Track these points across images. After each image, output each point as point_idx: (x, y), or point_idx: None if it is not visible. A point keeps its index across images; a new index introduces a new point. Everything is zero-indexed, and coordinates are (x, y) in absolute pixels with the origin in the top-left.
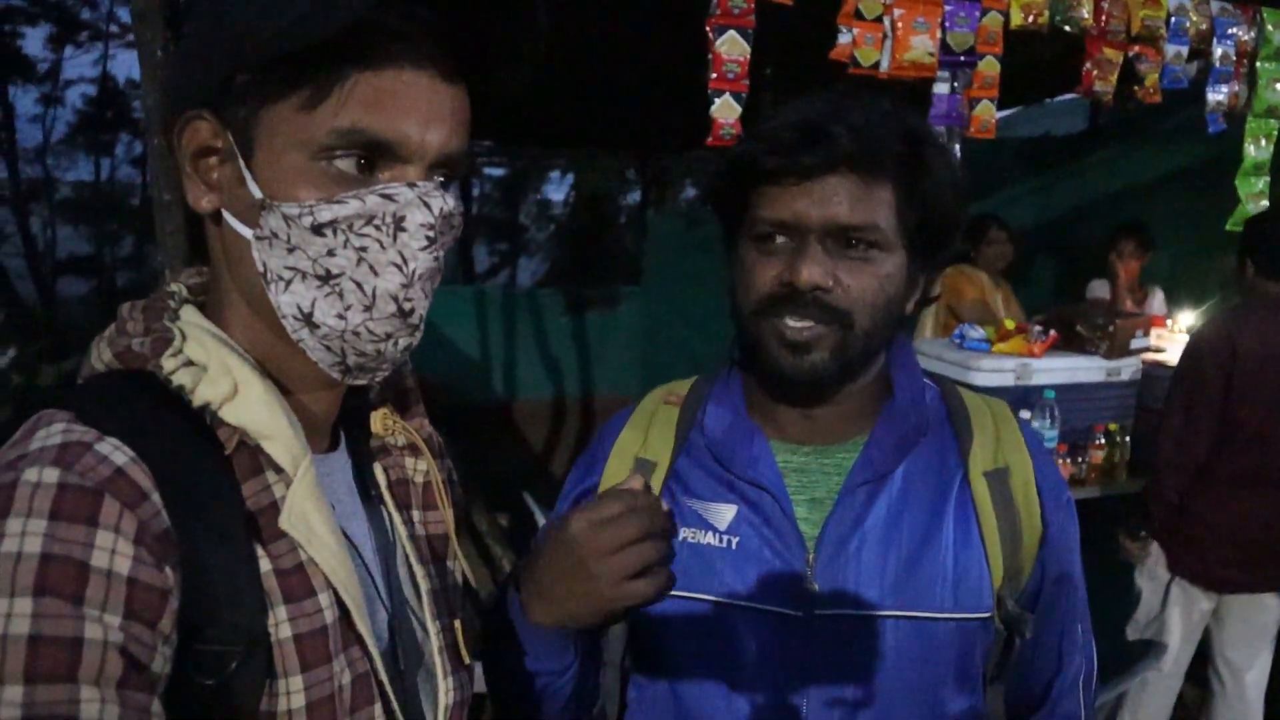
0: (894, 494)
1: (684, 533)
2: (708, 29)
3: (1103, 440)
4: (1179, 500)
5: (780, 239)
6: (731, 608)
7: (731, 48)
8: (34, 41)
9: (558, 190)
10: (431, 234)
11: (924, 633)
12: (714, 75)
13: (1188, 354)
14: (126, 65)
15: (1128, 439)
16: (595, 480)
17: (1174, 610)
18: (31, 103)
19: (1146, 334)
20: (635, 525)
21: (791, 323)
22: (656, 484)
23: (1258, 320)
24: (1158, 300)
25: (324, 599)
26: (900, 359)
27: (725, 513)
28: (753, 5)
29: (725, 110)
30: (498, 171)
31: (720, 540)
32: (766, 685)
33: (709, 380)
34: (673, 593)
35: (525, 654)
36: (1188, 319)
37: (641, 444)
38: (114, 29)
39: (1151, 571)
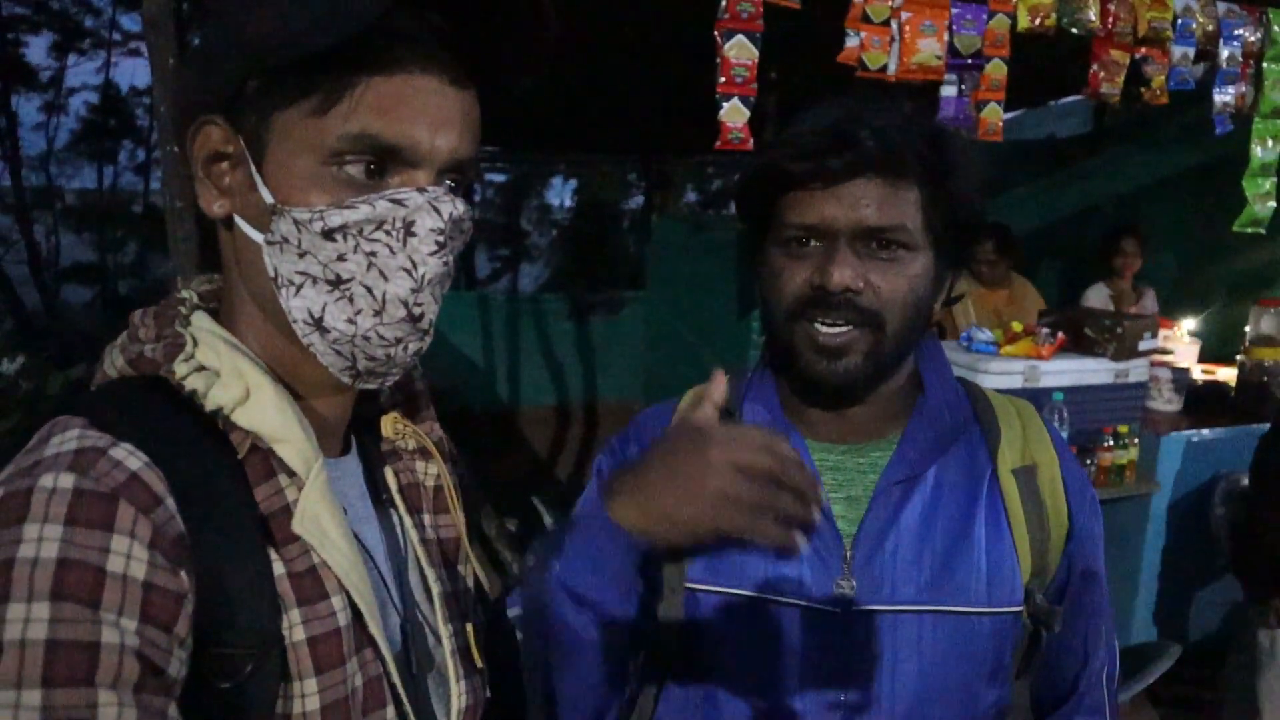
0: (928, 492)
1: None
2: (716, 33)
3: (1111, 442)
4: None
5: (809, 243)
6: (769, 604)
7: (740, 52)
8: (37, 50)
9: (560, 195)
10: (441, 239)
11: (960, 628)
12: (722, 79)
13: None
14: (129, 73)
15: (1136, 440)
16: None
17: None
18: (35, 111)
19: (1154, 335)
20: (771, 461)
21: (823, 327)
22: None
23: None
24: (1150, 300)
25: (337, 601)
26: (930, 358)
27: None
28: (761, 9)
29: (734, 114)
30: (499, 177)
31: None
32: (803, 681)
33: (740, 378)
34: (710, 588)
35: (576, 567)
36: (1189, 323)
37: None
38: (116, 37)
39: None
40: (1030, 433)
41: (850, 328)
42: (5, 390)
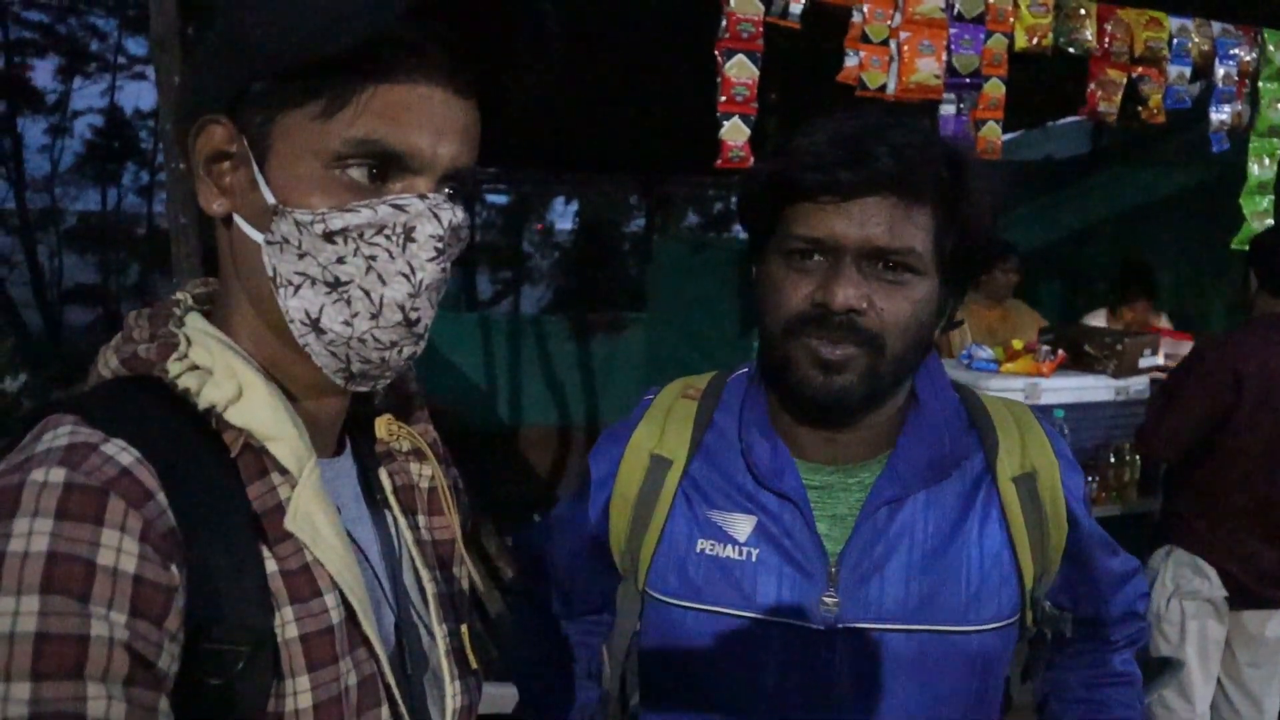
0: (918, 507)
1: (702, 544)
2: (716, 53)
3: (1113, 458)
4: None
5: (814, 257)
6: (752, 621)
7: (740, 71)
8: (43, 73)
9: (562, 217)
10: (440, 245)
11: (947, 646)
12: (723, 98)
13: (1187, 369)
14: (134, 96)
15: (1137, 457)
16: (614, 473)
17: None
18: (40, 133)
19: (1155, 352)
20: None
21: (823, 344)
22: (671, 485)
23: (1259, 343)
24: (1163, 325)
25: (330, 599)
26: (927, 374)
27: (744, 524)
28: (761, 29)
29: (734, 133)
30: (501, 198)
31: (740, 553)
32: (787, 700)
33: (728, 380)
34: (692, 605)
35: None
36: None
37: (658, 440)
38: (122, 60)
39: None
40: (1029, 438)
41: (850, 347)
42: (7, 409)
